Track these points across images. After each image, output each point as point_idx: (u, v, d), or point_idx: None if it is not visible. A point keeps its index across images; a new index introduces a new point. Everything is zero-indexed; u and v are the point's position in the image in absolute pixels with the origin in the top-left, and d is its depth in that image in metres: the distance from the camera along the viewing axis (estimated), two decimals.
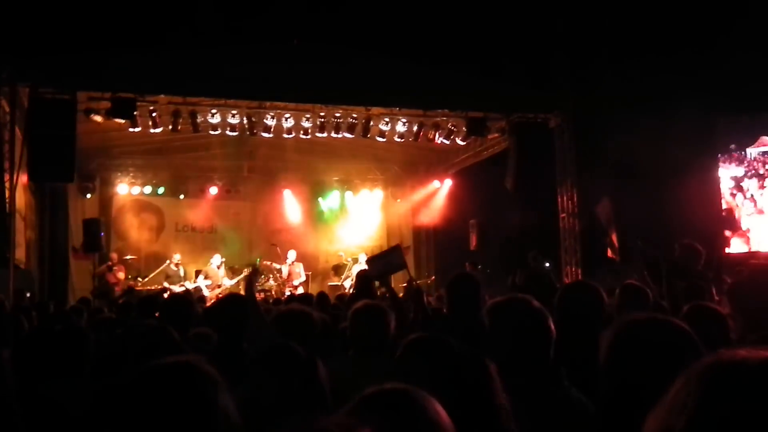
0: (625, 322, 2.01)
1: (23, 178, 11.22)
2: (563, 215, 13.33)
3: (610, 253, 12.25)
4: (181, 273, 14.99)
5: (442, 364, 2.20)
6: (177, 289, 14.15)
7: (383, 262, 6.25)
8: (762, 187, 13.71)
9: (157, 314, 5.64)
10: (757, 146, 13.76)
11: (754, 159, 13.87)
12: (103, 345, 3.81)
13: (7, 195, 10.50)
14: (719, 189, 12.22)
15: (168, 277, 14.67)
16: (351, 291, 13.65)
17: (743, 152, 13.74)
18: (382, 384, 1.55)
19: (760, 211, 13.61)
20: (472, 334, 3.23)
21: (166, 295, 13.41)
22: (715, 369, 0.99)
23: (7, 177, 10.59)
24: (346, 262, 16.14)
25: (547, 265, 12.96)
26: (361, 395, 1.52)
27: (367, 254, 16.34)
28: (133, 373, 1.45)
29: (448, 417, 1.49)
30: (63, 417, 2.25)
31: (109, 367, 3.06)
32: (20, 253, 11.67)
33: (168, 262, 15.09)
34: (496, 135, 13.66)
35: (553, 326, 2.61)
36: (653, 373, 1.34)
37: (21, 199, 11.62)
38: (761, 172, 13.85)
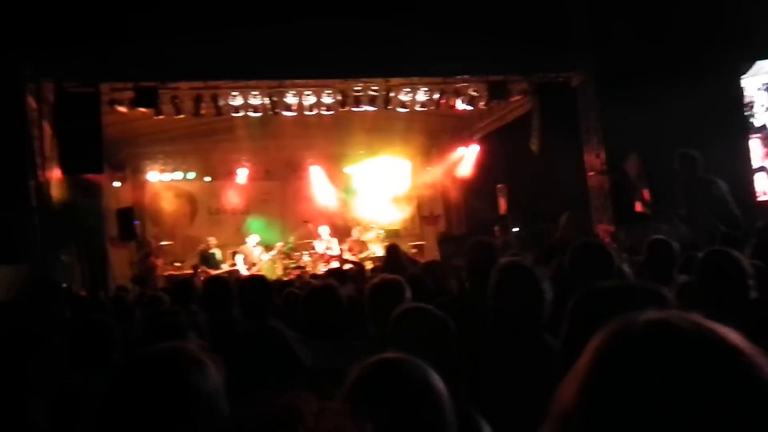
0: (586, 291, 1.88)
1: (57, 173, 11.47)
2: (591, 174, 13.19)
3: (640, 207, 12.09)
4: (218, 256, 15.19)
5: (429, 330, 2.32)
6: (214, 272, 14.42)
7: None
8: None
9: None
10: (753, 74, 11.14)
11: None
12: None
13: (43, 190, 10.79)
14: (748, 141, 11.64)
15: (205, 261, 14.90)
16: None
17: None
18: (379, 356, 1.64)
19: None
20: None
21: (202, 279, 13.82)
22: (609, 336, 0.93)
23: (40, 173, 10.87)
24: (378, 234, 16.22)
25: None
26: (360, 367, 1.61)
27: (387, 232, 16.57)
28: (118, 367, 1.51)
29: (440, 379, 1.58)
30: (78, 411, 2.33)
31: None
32: None
33: (203, 245, 15.32)
34: (519, 97, 13.53)
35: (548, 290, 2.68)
36: None
37: (57, 192, 11.89)
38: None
